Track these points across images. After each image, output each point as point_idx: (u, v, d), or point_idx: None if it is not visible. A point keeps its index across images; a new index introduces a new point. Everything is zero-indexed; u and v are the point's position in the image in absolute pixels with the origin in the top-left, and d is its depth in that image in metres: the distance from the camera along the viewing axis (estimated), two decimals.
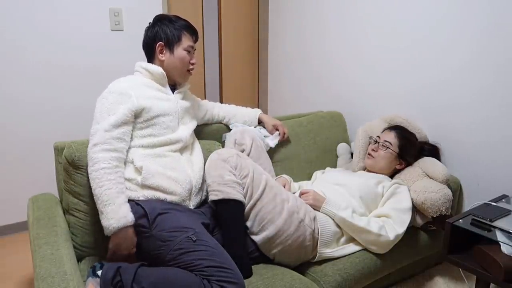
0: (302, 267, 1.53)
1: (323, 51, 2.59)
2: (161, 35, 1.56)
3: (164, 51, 1.57)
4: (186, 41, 1.58)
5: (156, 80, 1.56)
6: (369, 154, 1.89)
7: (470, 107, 1.86)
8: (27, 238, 2.21)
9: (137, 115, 1.46)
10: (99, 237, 1.45)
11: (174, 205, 1.43)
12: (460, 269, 1.75)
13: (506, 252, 1.35)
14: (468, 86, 1.86)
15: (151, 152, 1.46)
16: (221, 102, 3.24)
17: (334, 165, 2.16)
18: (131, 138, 1.46)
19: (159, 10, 2.58)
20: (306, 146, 2.10)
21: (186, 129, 1.61)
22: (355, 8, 2.33)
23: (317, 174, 2.00)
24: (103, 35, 2.42)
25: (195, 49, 1.63)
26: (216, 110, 1.95)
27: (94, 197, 1.34)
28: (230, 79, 3.21)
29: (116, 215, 1.30)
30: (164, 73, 1.56)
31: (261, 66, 3.19)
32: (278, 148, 2.00)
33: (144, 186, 1.41)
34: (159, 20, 1.60)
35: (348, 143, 2.24)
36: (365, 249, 1.59)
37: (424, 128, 2.02)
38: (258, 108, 3.32)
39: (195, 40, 1.63)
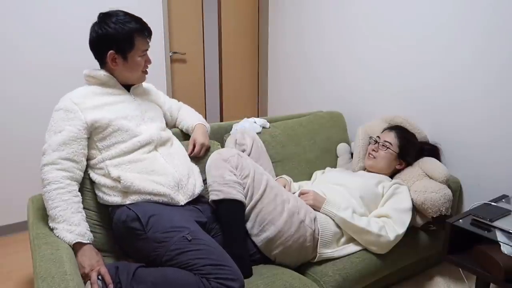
0: (302, 267, 1.53)
1: (323, 51, 2.59)
2: (112, 42, 1.41)
3: (117, 59, 1.44)
4: (140, 45, 1.46)
5: (104, 85, 1.47)
6: (369, 154, 1.89)
7: (470, 107, 1.86)
8: (27, 238, 2.21)
9: (91, 128, 1.39)
10: (98, 237, 1.45)
11: (164, 204, 1.41)
12: (460, 269, 1.75)
13: (506, 252, 1.35)
14: (468, 86, 1.86)
15: (124, 160, 1.41)
16: (221, 102, 3.25)
17: (334, 165, 2.16)
18: (98, 151, 1.41)
19: (159, 10, 2.58)
20: (306, 146, 2.10)
21: (154, 126, 1.52)
22: (355, 9, 2.33)
23: (317, 174, 2.00)
24: None
25: (148, 49, 1.50)
26: (168, 107, 1.78)
27: (49, 218, 1.32)
28: (230, 79, 3.22)
29: (74, 231, 1.29)
30: (109, 75, 1.46)
31: (261, 66, 3.19)
32: (278, 148, 2.00)
33: (127, 193, 1.39)
34: (106, 20, 1.42)
35: (348, 143, 2.24)
36: (365, 249, 1.59)
37: (424, 128, 2.02)
38: (258, 108, 3.34)
39: (149, 38, 1.49)
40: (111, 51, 1.42)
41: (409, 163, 1.88)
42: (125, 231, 1.35)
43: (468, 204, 1.92)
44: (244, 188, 1.45)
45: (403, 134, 1.87)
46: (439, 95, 1.98)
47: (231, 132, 1.93)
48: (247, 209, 1.46)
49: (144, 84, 1.63)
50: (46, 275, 1.09)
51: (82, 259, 1.27)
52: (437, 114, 2.00)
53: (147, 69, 1.53)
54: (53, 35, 2.28)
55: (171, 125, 1.82)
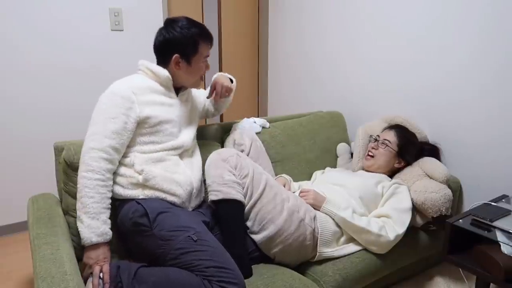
0: (302, 267, 1.53)
1: (323, 51, 2.59)
2: (177, 45, 1.46)
3: (181, 63, 1.48)
4: (203, 51, 1.50)
5: (161, 83, 1.49)
6: (368, 155, 1.89)
7: (470, 107, 1.86)
8: (27, 238, 2.21)
9: (139, 123, 1.41)
10: None
11: (174, 205, 1.43)
12: (460, 269, 1.75)
13: (506, 252, 1.35)
14: (468, 86, 1.86)
15: (152, 157, 1.43)
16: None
17: (334, 165, 2.16)
18: (133, 143, 1.42)
19: (159, 10, 2.58)
20: (306, 146, 2.10)
21: (188, 134, 1.57)
22: (355, 8, 2.33)
23: (317, 174, 2.00)
24: (103, 35, 2.42)
25: (209, 55, 1.56)
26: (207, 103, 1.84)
27: (78, 202, 1.31)
28: None
29: (97, 230, 1.29)
30: (170, 77, 1.49)
31: (261, 66, 3.19)
32: (278, 148, 2.00)
33: (145, 187, 1.40)
34: (172, 25, 1.48)
35: (348, 143, 2.24)
36: (365, 249, 1.59)
37: (424, 128, 2.02)
38: (258, 108, 3.34)
39: (211, 46, 1.54)
40: (176, 55, 1.47)
41: (408, 162, 1.88)
42: (131, 226, 1.35)
43: (468, 204, 1.92)
44: (243, 188, 1.46)
45: (402, 133, 1.88)
46: (440, 95, 1.98)
47: (230, 132, 1.93)
48: (247, 208, 1.46)
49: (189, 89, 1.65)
50: (46, 275, 1.09)
51: (91, 252, 1.28)
52: (437, 114, 2.00)
53: (204, 75, 1.58)
54: (53, 35, 2.28)
55: (213, 113, 1.86)
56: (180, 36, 1.46)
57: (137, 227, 1.34)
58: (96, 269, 1.24)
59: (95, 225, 1.29)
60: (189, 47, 1.47)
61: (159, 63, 1.52)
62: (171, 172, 1.44)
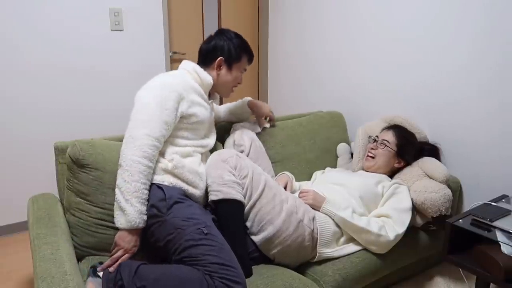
0: (302, 267, 1.53)
1: (323, 51, 2.59)
2: (225, 49, 1.61)
3: (222, 67, 1.62)
4: (244, 62, 1.67)
5: (203, 87, 1.59)
6: (367, 156, 1.89)
7: (469, 107, 1.87)
8: (27, 238, 2.22)
9: (181, 118, 1.49)
10: (99, 237, 1.45)
11: (191, 199, 1.45)
12: (460, 269, 1.75)
13: (506, 252, 1.35)
14: (467, 86, 1.86)
15: (181, 150, 1.49)
16: (221, 102, 3.23)
17: (334, 165, 2.16)
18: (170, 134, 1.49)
19: (159, 10, 2.59)
20: (306, 146, 2.10)
21: (213, 137, 1.69)
22: (355, 8, 2.33)
23: (317, 174, 2.00)
24: (103, 35, 2.42)
25: (246, 70, 1.72)
26: (218, 113, 1.97)
27: (128, 184, 1.31)
28: None
29: (144, 216, 1.33)
30: (212, 83, 1.61)
31: (261, 66, 3.19)
32: (278, 148, 2.00)
33: (171, 174, 1.43)
34: (224, 33, 1.64)
35: (348, 143, 2.24)
36: (365, 249, 1.59)
37: (424, 128, 2.02)
38: None
39: (250, 63, 1.71)
40: (221, 58, 1.61)
41: (408, 162, 1.88)
42: (146, 210, 1.36)
43: (468, 204, 1.92)
44: (243, 188, 1.46)
45: (401, 133, 1.88)
46: (439, 95, 1.98)
47: (230, 133, 1.92)
48: (246, 208, 1.46)
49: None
50: (46, 275, 1.09)
51: (127, 235, 1.32)
52: (437, 114, 2.00)
53: (235, 88, 1.71)
54: (53, 35, 2.28)
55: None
56: (229, 43, 1.62)
57: (152, 210, 1.35)
58: (120, 253, 1.30)
59: (143, 211, 1.33)
60: (234, 54, 1.63)
61: (200, 65, 1.63)
62: (196, 166, 1.50)
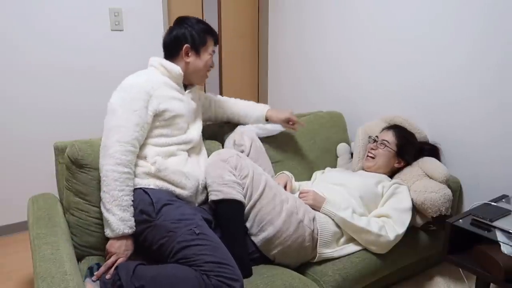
0: (302, 267, 1.53)
1: (323, 51, 2.59)
2: (188, 37, 1.57)
3: (190, 54, 1.58)
4: (210, 45, 1.62)
5: (173, 79, 1.56)
6: (367, 156, 1.89)
7: (470, 106, 1.86)
8: (27, 238, 2.21)
9: (155, 116, 1.46)
10: (99, 236, 1.45)
11: (180, 199, 1.44)
12: (460, 269, 1.75)
13: (506, 252, 1.35)
14: (468, 85, 1.86)
15: (164, 150, 1.47)
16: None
17: (334, 165, 2.16)
18: (147, 135, 1.47)
19: (159, 10, 2.58)
20: (306, 146, 2.10)
21: (195, 130, 1.63)
22: (355, 8, 2.33)
23: (317, 174, 2.00)
24: (103, 35, 2.42)
25: (214, 52, 1.67)
26: (220, 109, 1.90)
27: (106, 194, 1.32)
28: (230, 79, 3.21)
29: (129, 222, 1.33)
30: (182, 73, 1.57)
31: (261, 66, 3.19)
32: (278, 148, 2.00)
33: (156, 177, 1.42)
34: (183, 21, 1.60)
35: (348, 143, 2.24)
36: (365, 249, 1.59)
37: (424, 128, 2.02)
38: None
39: (216, 44, 1.66)
40: (186, 45, 1.56)
41: (408, 162, 1.88)
42: (136, 215, 1.36)
43: (468, 204, 1.91)
44: (243, 188, 1.46)
45: (401, 133, 1.88)
46: (439, 95, 1.97)
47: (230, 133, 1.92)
48: (246, 209, 1.46)
49: (195, 87, 1.72)
50: (46, 275, 1.09)
51: (118, 242, 1.32)
52: (437, 114, 2.00)
53: (208, 72, 1.66)
54: (53, 35, 2.28)
55: (220, 121, 1.93)
56: (191, 30, 1.57)
57: (141, 216, 1.35)
58: (113, 259, 1.30)
59: (127, 217, 1.32)
60: (199, 38, 1.57)
61: (167, 58, 1.59)
62: (181, 166, 1.48)
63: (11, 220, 2.36)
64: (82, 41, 2.37)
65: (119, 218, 1.31)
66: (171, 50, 1.60)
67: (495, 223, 1.43)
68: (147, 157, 1.43)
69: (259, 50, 3.22)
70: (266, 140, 1.96)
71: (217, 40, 1.65)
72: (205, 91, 3.12)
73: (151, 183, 1.41)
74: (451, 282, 1.86)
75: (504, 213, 1.50)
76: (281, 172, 1.88)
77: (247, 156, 1.71)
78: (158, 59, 1.57)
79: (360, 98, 2.39)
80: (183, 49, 1.56)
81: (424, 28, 1.99)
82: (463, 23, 1.83)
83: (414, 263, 1.80)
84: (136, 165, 1.42)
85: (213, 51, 1.64)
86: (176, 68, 1.55)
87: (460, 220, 1.49)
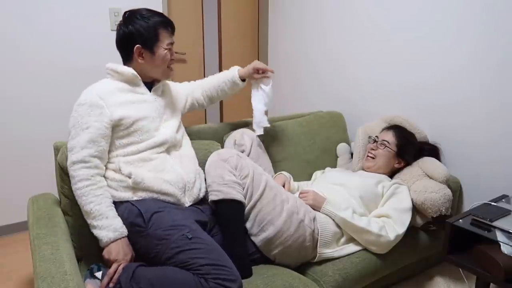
0: (302, 267, 1.53)
1: (323, 51, 2.59)
2: (137, 36, 1.43)
3: (144, 54, 1.45)
4: (165, 38, 1.47)
5: (128, 82, 1.47)
6: (367, 156, 1.89)
7: (470, 107, 1.86)
8: (27, 238, 2.21)
9: (114, 126, 1.40)
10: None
11: (169, 204, 1.42)
12: (460, 269, 1.75)
13: (506, 252, 1.35)
14: (468, 86, 1.86)
15: (136, 158, 1.42)
16: (221, 102, 3.24)
17: (334, 165, 2.16)
18: (114, 147, 1.42)
19: (159, 10, 2.58)
20: (306, 146, 2.10)
21: (170, 128, 1.53)
22: (355, 8, 2.33)
23: (317, 174, 2.00)
24: (103, 35, 2.42)
25: (173, 43, 1.52)
26: (197, 92, 1.79)
27: (84, 214, 1.34)
28: None
29: (110, 226, 1.32)
30: (136, 73, 1.47)
31: None
32: (278, 148, 2.00)
33: (136, 189, 1.39)
34: (130, 17, 1.45)
35: (348, 143, 2.24)
36: (365, 249, 1.59)
37: (424, 128, 2.02)
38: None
39: (173, 33, 1.51)
40: (137, 46, 1.44)
41: (408, 162, 1.88)
42: (127, 227, 1.35)
43: (468, 204, 1.91)
44: (243, 188, 1.45)
45: (401, 133, 1.88)
46: (440, 95, 1.97)
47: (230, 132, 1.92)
48: (247, 209, 1.46)
49: (164, 82, 1.62)
50: (46, 275, 1.09)
51: (113, 247, 1.31)
52: (437, 114, 2.00)
53: (172, 65, 1.54)
54: (53, 35, 2.28)
55: (205, 104, 1.82)
56: (139, 27, 1.43)
57: (133, 228, 1.34)
58: (114, 266, 1.27)
59: (106, 224, 1.31)
60: (150, 36, 1.44)
61: (124, 60, 1.51)
62: (159, 171, 1.43)
63: (11, 220, 2.36)
64: (82, 41, 2.37)
65: (99, 227, 1.32)
66: (123, 52, 1.50)
67: (495, 223, 1.43)
68: (121, 169, 1.39)
69: (259, 50, 3.22)
70: (266, 140, 1.96)
71: (173, 29, 1.50)
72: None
73: (134, 195, 1.39)
74: (451, 282, 1.86)
75: (504, 213, 1.50)
76: (279, 172, 1.88)
77: (248, 156, 1.71)
78: (110, 65, 1.48)
79: (360, 98, 2.39)
80: (135, 50, 1.44)
81: (424, 28, 1.99)
82: (464, 24, 1.83)
83: (414, 263, 1.80)
84: (113, 179, 1.40)
85: (171, 43, 1.49)
86: (127, 70, 1.46)
87: (460, 220, 1.49)
